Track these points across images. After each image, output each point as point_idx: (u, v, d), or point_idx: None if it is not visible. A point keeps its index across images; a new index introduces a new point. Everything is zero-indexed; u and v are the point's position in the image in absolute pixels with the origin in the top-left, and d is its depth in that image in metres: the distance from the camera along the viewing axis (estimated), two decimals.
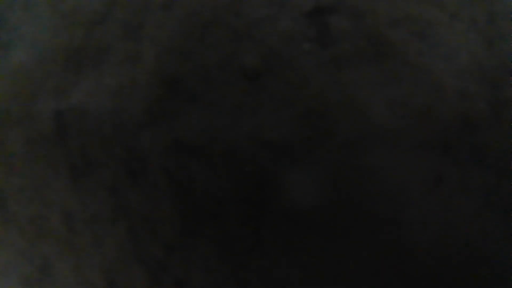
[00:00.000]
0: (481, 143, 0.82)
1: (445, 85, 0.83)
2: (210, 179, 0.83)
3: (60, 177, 0.88)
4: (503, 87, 0.85)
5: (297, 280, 0.82)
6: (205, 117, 0.82)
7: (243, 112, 0.82)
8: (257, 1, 0.85)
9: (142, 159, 0.83)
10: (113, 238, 0.88)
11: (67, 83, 0.87)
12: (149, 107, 0.83)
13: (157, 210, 0.85)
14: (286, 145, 0.82)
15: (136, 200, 0.86)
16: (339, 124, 0.81)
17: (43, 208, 0.90)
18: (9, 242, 0.93)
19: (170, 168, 0.83)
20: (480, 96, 0.82)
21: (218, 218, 0.83)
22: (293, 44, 0.83)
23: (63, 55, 0.88)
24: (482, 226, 0.82)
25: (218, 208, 0.83)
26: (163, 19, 0.84)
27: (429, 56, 0.83)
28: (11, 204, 0.92)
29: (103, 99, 0.84)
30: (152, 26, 0.84)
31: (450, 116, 0.82)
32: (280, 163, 0.82)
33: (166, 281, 0.86)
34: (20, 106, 0.89)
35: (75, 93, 0.87)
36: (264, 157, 0.82)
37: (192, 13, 0.84)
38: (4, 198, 0.92)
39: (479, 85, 0.83)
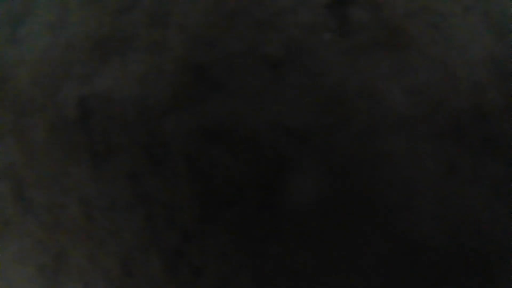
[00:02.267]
0: (493, 133, 0.85)
1: (458, 75, 0.86)
2: (230, 165, 0.86)
3: (80, 164, 0.90)
4: None
5: (312, 268, 0.85)
6: (228, 104, 0.85)
7: (265, 100, 0.85)
8: None
9: (164, 146, 0.85)
10: (130, 225, 0.90)
11: (92, 69, 0.89)
12: (174, 94, 0.85)
13: (176, 197, 0.88)
14: (306, 132, 0.85)
15: (155, 187, 0.88)
16: (357, 112, 0.85)
17: (61, 197, 0.92)
18: (27, 231, 0.95)
19: (192, 154, 0.86)
20: (492, 87, 0.86)
21: (236, 205, 0.86)
22: (313, 34, 0.86)
23: (90, 42, 0.90)
24: (493, 215, 0.85)
25: (236, 195, 0.85)
26: (189, 8, 0.87)
27: (443, 47, 0.87)
28: (29, 193, 0.93)
29: (128, 85, 0.87)
30: (179, 15, 0.86)
31: (464, 106, 0.86)
32: (299, 149, 0.85)
33: (182, 269, 0.88)
34: (44, 92, 0.91)
35: (100, 79, 0.89)
36: (284, 144, 0.85)
37: (217, 2, 0.86)
38: (23, 187, 0.94)
39: (491, 75, 0.86)
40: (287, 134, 0.85)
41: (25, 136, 0.91)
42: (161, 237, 0.89)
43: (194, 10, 0.86)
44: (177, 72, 0.86)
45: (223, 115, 0.85)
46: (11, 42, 0.97)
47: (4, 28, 1.00)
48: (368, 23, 0.87)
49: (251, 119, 0.85)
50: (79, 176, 0.90)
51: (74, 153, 0.89)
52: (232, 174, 0.86)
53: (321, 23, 0.86)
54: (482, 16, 0.89)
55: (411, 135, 0.85)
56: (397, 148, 0.85)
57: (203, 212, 0.87)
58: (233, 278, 0.86)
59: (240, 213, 0.86)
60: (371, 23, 0.87)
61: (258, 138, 0.85)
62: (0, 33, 1.00)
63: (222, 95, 0.85)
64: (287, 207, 0.85)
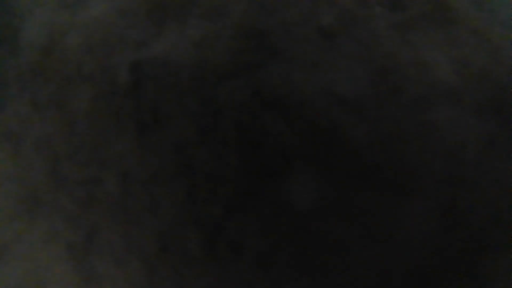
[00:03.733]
0: None
1: (502, 50, 0.90)
2: (282, 133, 0.87)
3: (124, 134, 0.89)
4: None
5: (356, 239, 0.87)
6: (284, 71, 0.87)
7: (319, 68, 0.87)
8: None
9: (216, 113, 0.86)
10: (170, 199, 0.89)
11: (148, 34, 0.90)
12: (232, 60, 0.87)
13: (221, 168, 0.88)
14: (358, 101, 0.87)
15: (201, 158, 0.88)
16: (407, 82, 0.88)
17: (99, 170, 0.91)
18: (58, 209, 0.93)
19: (244, 123, 0.87)
20: None
21: (282, 176, 0.87)
22: (366, 7, 0.89)
23: (147, 7, 0.91)
24: None
25: (284, 165, 0.86)
26: None
27: (487, 23, 0.91)
28: (64, 167, 0.91)
29: (185, 50, 0.87)
30: None
31: (506, 80, 0.90)
32: (351, 117, 0.87)
33: (220, 245, 0.88)
34: (94, 59, 0.90)
35: (157, 44, 0.89)
36: (336, 112, 0.87)
37: None
38: (58, 161, 0.92)
39: None
40: (339, 103, 0.87)
41: (67, 107, 0.90)
42: (202, 211, 0.88)
43: None
44: (236, 38, 0.87)
45: (278, 82, 0.87)
46: (63, 7, 0.96)
47: None
48: None
49: (306, 86, 0.87)
50: (121, 147, 0.89)
51: (119, 122, 0.88)
52: (282, 143, 0.87)
53: None
54: None
55: (456, 106, 0.88)
56: (443, 118, 0.88)
57: (248, 184, 0.87)
58: (273, 255, 0.86)
59: (285, 185, 0.87)
60: None
61: (311, 105, 0.87)
62: None
63: (278, 62, 0.87)
64: (338, 175, 0.87)
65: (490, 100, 0.89)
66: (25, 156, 0.88)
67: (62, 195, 0.90)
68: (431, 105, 0.88)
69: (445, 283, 0.86)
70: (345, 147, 0.87)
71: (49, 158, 0.89)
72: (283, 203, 0.88)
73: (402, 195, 0.87)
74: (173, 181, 0.89)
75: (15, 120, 0.89)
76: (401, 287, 0.86)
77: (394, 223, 0.88)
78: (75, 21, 0.95)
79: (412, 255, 0.87)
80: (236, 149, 0.87)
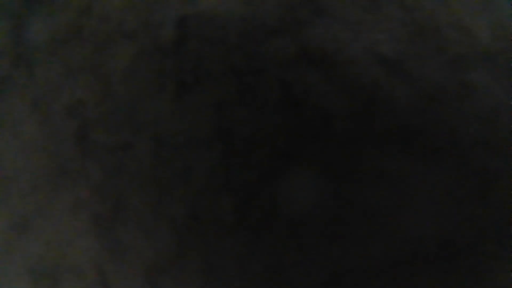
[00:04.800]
0: None
1: None
2: (325, 92, 0.85)
3: (162, 95, 0.83)
4: None
5: (390, 205, 0.87)
6: (330, 29, 0.83)
7: (363, 28, 0.85)
8: None
9: (260, 72, 0.82)
10: (204, 164, 0.86)
11: None
12: (281, 16, 0.82)
13: (260, 129, 0.85)
14: (399, 61, 0.86)
15: (240, 119, 0.85)
16: (447, 43, 0.87)
17: (130, 135, 0.85)
18: (84, 177, 0.86)
19: (288, 80, 0.84)
20: None
21: (322, 138, 0.85)
22: None
23: None
24: None
25: (325, 126, 0.84)
26: None
27: None
28: (94, 133, 0.84)
29: (234, 4, 0.81)
30: None
31: None
32: (392, 77, 0.86)
33: (253, 214, 0.86)
34: (136, 16, 0.82)
35: None
36: (378, 71, 0.85)
37: None
38: (88, 127, 0.84)
39: None
40: (382, 62, 0.86)
41: (103, 68, 0.82)
42: (235, 177, 0.85)
43: None
44: None
45: (324, 40, 0.83)
46: None
47: None
48: None
49: (351, 46, 0.84)
50: (156, 110, 0.83)
51: (158, 83, 0.82)
52: (325, 102, 0.85)
53: None
54: None
55: (492, 69, 0.89)
56: (481, 80, 0.88)
57: (287, 147, 0.85)
58: (306, 223, 0.85)
59: (325, 147, 0.86)
60: None
61: (354, 64, 0.85)
62: None
63: (325, 20, 0.83)
64: (375, 138, 0.86)
65: None
66: (52, 124, 0.79)
67: (89, 163, 0.82)
68: (469, 67, 0.88)
69: (477, 253, 0.88)
70: (386, 107, 0.86)
71: (78, 125, 0.81)
72: (321, 166, 0.86)
73: (437, 159, 0.88)
74: (208, 145, 0.84)
75: (44, 86, 0.79)
76: (434, 256, 0.88)
77: (428, 189, 0.88)
78: None
79: (445, 222, 0.88)
80: (277, 109, 0.85)
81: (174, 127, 0.85)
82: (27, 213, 0.82)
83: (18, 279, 0.82)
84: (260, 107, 0.86)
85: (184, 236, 0.86)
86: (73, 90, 0.84)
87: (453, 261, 0.88)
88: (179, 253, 0.85)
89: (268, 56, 0.84)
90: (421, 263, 0.88)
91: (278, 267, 0.86)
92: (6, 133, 0.84)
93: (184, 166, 0.85)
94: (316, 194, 0.88)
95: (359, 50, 0.86)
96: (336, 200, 0.89)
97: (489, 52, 0.89)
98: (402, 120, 0.88)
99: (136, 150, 0.85)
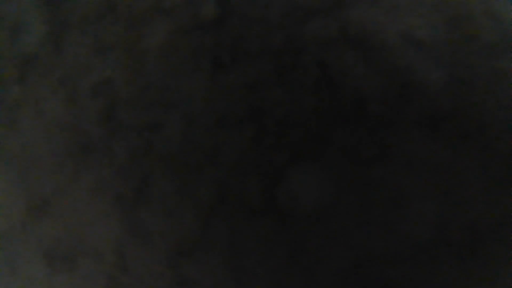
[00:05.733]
0: None
1: None
2: (361, 74, 0.83)
3: (197, 73, 0.81)
4: None
5: (417, 190, 0.85)
6: (369, 11, 0.82)
7: (400, 12, 0.83)
8: None
9: (299, 51, 0.80)
10: (234, 145, 0.84)
11: None
12: None
13: (294, 111, 0.83)
14: (434, 46, 0.84)
15: (274, 99, 0.83)
16: (481, 30, 0.85)
17: (160, 115, 0.83)
18: (109, 157, 0.84)
19: (326, 61, 0.82)
20: None
21: (353, 121, 0.83)
22: None
23: None
24: None
25: (358, 109, 0.83)
26: None
27: None
28: (121, 112, 0.83)
29: None
30: None
31: None
32: (427, 62, 0.84)
33: (281, 198, 0.85)
34: None
35: None
36: (413, 55, 0.84)
37: None
38: (116, 106, 0.83)
39: None
40: (417, 47, 0.84)
41: (137, 46, 0.80)
42: (265, 159, 0.84)
43: None
44: None
45: (363, 22, 0.82)
46: None
47: None
48: None
49: (388, 28, 0.83)
50: (190, 89, 0.82)
51: (194, 61, 0.80)
52: (360, 85, 0.83)
53: None
54: None
55: None
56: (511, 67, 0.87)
57: (319, 129, 0.83)
58: (334, 207, 0.84)
59: (353, 131, 0.84)
60: None
61: (390, 47, 0.83)
62: None
63: (364, 2, 0.82)
64: (402, 126, 0.84)
65: None
66: (78, 103, 0.78)
67: (115, 143, 0.81)
68: (501, 55, 0.86)
69: (499, 240, 0.87)
70: (419, 91, 0.84)
71: (106, 104, 0.79)
72: (351, 149, 0.84)
73: (465, 144, 0.86)
74: (240, 125, 0.82)
75: (73, 64, 0.77)
76: (457, 243, 0.86)
77: (455, 175, 0.87)
78: None
79: (469, 208, 0.86)
80: (313, 90, 0.82)
81: (206, 106, 0.83)
82: (46, 194, 0.81)
83: (33, 262, 0.81)
84: (295, 88, 0.84)
85: (209, 219, 0.84)
86: (102, 68, 0.82)
87: (475, 247, 0.86)
88: (204, 236, 0.84)
89: (307, 36, 0.82)
90: (444, 249, 0.87)
91: (303, 252, 0.85)
92: (29, 112, 0.83)
93: (214, 146, 0.84)
94: (344, 178, 0.86)
95: (395, 34, 0.84)
96: (364, 185, 0.88)
97: None
98: (434, 104, 0.86)
99: (165, 130, 0.84)
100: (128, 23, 0.81)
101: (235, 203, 0.85)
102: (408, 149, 0.86)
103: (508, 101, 0.88)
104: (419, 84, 0.86)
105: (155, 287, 0.84)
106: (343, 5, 0.83)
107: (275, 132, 0.84)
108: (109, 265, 0.83)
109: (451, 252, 0.86)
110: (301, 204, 0.87)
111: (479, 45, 0.87)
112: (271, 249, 0.84)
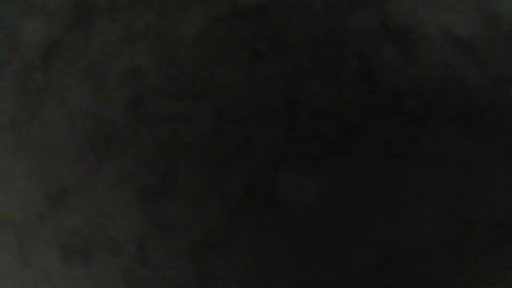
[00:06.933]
0: None
1: None
2: (399, 68, 0.82)
3: (233, 63, 0.80)
4: None
5: (445, 184, 0.84)
6: (410, 6, 0.81)
7: (441, 8, 0.82)
8: None
9: (339, 42, 0.79)
10: (266, 138, 0.82)
11: None
12: None
13: (330, 102, 0.82)
14: (473, 43, 0.83)
15: (311, 91, 0.82)
16: None
17: (190, 106, 0.81)
18: (134, 148, 0.82)
19: (366, 53, 0.81)
20: None
21: (387, 115, 0.82)
22: None
23: None
24: None
25: (393, 103, 0.82)
26: None
27: None
28: (149, 102, 0.81)
29: None
30: None
31: None
32: (465, 58, 0.83)
33: (309, 188, 0.84)
34: None
35: None
36: (451, 51, 0.83)
37: None
38: (144, 95, 0.81)
39: None
40: (456, 43, 0.83)
41: (169, 34, 0.78)
42: (298, 150, 0.82)
43: None
44: None
45: (405, 16, 0.81)
46: None
47: None
48: None
49: (428, 24, 0.82)
50: (223, 79, 0.80)
51: (231, 50, 0.79)
52: (397, 79, 0.82)
53: None
54: None
55: None
56: None
57: (353, 122, 0.82)
58: (362, 199, 0.83)
59: (386, 125, 0.83)
60: None
61: (429, 42, 0.82)
62: None
63: None
64: (434, 122, 0.84)
65: None
66: (105, 91, 0.76)
67: (141, 133, 0.79)
68: None
69: None
70: (455, 87, 0.83)
71: (133, 93, 0.78)
72: (383, 143, 0.83)
73: (496, 140, 0.85)
74: (274, 117, 0.81)
75: (100, 52, 0.76)
76: (484, 239, 0.85)
77: (483, 172, 0.86)
78: None
79: (497, 205, 0.86)
80: (351, 83, 0.82)
81: (240, 97, 0.82)
82: (66, 185, 0.79)
83: (47, 254, 0.78)
84: (333, 81, 0.82)
85: (236, 212, 0.83)
86: (131, 56, 0.81)
87: (500, 244, 0.85)
88: (229, 230, 0.82)
89: (349, 28, 0.81)
90: (470, 246, 0.86)
91: (330, 247, 0.83)
92: (52, 100, 0.81)
93: (244, 138, 0.82)
94: (375, 171, 0.85)
95: (435, 30, 0.83)
96: (393, 179, 0.86)
97: None
98: (469, 100, 0.85)
99: (194, 120, 0.82)
100: (160, 11, 0.79)
101: (263, 196, 0.83)
102: (439, 145, 0.85)
103: None
104: (455, 80, 0.85)
105: (175, 281, 0.82)
106: None
107: (309, 124, 0.83)
108: (127, 258, 0.80)
109: (476, 249, 0.84)
110: (329, 197, 0.85)
111: None
112: (298, 242, 0.83)
